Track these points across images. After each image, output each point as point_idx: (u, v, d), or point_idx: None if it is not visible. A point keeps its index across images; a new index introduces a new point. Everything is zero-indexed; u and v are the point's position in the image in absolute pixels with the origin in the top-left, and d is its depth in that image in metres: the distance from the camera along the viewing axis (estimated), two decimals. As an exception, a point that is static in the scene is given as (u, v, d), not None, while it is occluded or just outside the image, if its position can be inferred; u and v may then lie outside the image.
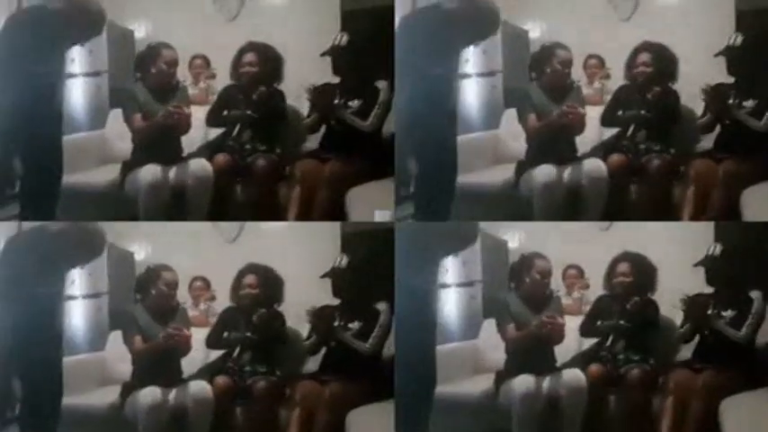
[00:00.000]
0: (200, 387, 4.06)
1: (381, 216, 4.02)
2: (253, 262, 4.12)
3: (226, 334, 4.10)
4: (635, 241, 4.10)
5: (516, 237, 4.15)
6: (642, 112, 4.13)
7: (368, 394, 4.05)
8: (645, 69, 4.11)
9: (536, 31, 4.18)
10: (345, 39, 4.12)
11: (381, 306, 4.09)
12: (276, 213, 4.12)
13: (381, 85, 4.13)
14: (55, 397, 4.03)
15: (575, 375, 4.06)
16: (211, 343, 4.11)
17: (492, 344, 4.13)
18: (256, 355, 4.09)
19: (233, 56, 4.14)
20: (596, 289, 4.14)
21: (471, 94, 4.17)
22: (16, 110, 4.04)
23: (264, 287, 4.11)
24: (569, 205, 4.09)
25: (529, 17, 4.17)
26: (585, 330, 4.11)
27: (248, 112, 4.14)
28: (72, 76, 4.14)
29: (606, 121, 4.15)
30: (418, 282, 4.06)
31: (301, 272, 4.13)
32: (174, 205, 4.10)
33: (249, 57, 4.13)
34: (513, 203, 4.10)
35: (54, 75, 4.11)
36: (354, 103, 4.14)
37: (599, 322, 4.10)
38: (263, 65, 4.13)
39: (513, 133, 4.17)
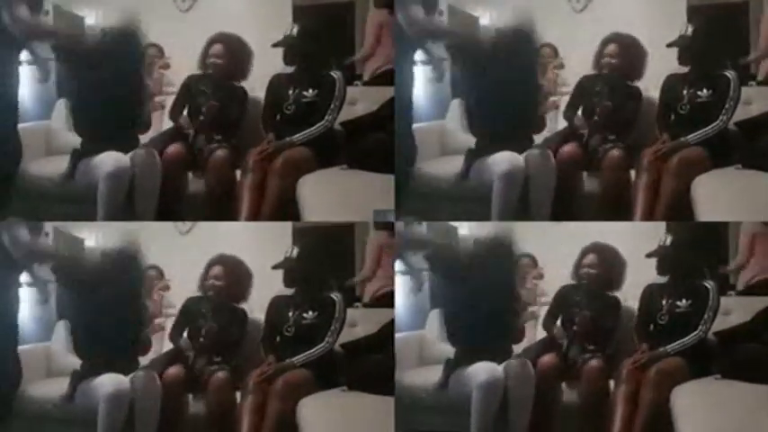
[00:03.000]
0: (149, 377, 4.06)
1: (380, 216, 4.03)
2: (223, 253, 4.12)
3: (187, 331, 4.10)
4: (588, 232, 4.11)
5: (466, 224, 4.15)
6: (604, 103, 4.13)
7: (319, 382, 4.07)
8: (611, 60, 4.11)
9: (486, 18, 4.18)
10: (296, 29, 4.12)
11: (336, 296, 4.11)
12: (230, 203, 4.12)
13: (336, 75, 4.14)
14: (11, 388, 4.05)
15: (522, 365, 4.07)
16: (174, 337, 4.12)
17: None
18: (213, 347, 4.10)
19: (201, 45, 4.14)
20: (551, 280, 4.15)
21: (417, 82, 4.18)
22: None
23: (231, 280, 4.10)
24: (526, 194, 4.11)
25: (478, 3, 4.18)
26: (548, 325, 4.12)
27: (210, 103, 4.15)
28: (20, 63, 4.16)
29: (569, 116, 4.15)
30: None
31: (256, 262, 4.13)
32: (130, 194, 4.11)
33: (217, 48, 4.13)
34: (463, 194, 4.11)
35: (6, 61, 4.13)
36: (309, 93, 4.14)
37: (560, 317, 4.10)
38: (231, 58, 4.13)
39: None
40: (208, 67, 4.14)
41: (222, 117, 4.15)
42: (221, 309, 4.11)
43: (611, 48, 4.11)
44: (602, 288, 4.11)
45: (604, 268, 4.10)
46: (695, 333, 4.05)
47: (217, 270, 4.12)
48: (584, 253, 4.11)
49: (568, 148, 4.14)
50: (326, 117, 4.13)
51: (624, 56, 4.10)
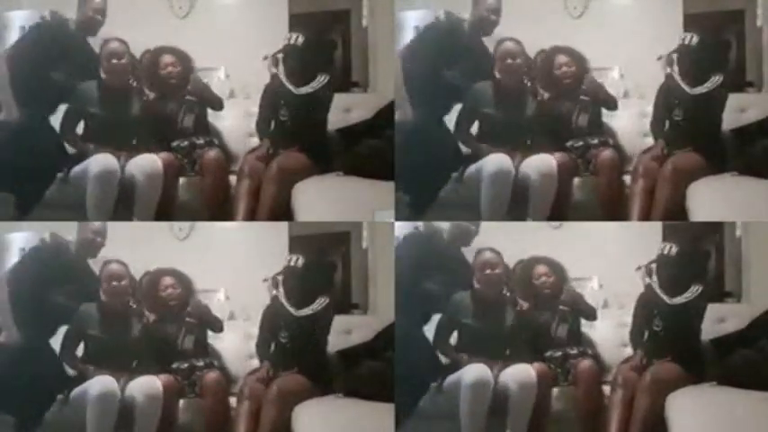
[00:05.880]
0: (149, 381, 4.06)
1: (381, 216, 4.04)
2: (161, 267, 4.13)
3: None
4: (585, 239, 4.12)
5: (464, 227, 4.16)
6: (577, 110, 4.15)
7: (315, 389, 4.07)
8: (567, 69, 4.13)
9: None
10: (300, 39, 4.14)
11: (322, 300, 4.13)
12: (225, 209, 4.14)
13: (323, 78, 4.16)
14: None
15: (523, 370, 4.08)
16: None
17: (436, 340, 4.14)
18: (197, 346, 4.11)
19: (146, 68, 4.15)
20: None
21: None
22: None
23: (182, 287, 4.12)
24: (516, 200, 4.11)
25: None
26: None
27: (184, 109, 4.17)
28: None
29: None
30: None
31: (251, 269, 4.14)
32: (123, 199, 4.11)
33: (167, 59, 4.15)
34: (459, 198, 4.13)
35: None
36: (303, 100, 4.15)
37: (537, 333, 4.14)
38: (180, 63, 4.15)
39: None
40: (164, 79, 4.14)
41: (202, 118, 4.17)
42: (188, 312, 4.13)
43: (561, 58, 4.13)
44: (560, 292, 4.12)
45: (554, 274, 4.12)
46: (688, 339, 4.04)
47: (168, 280, 4.12)
48: (530, 267, 4.13)
49: (559, 156, 4.14)
50: (319, 124, 4.14)
51: (573, 63, 4.13)
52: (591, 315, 4.12)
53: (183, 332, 4.11)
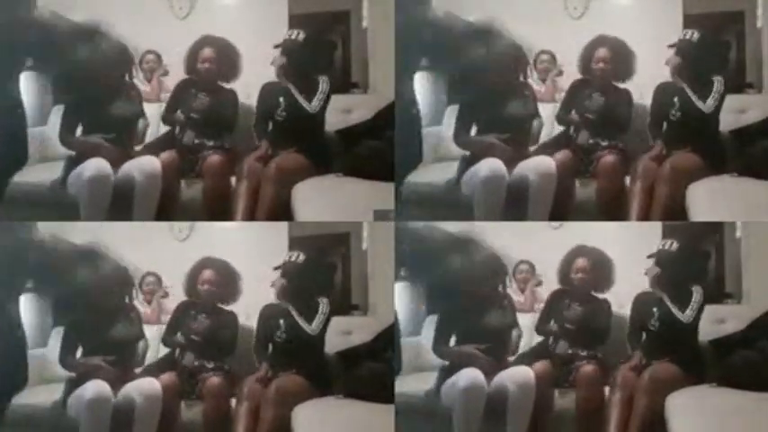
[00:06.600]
0: (149, 383, 4.07)
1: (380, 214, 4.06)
2: (210, 256, 4.13)
3: (180, 334, 4.12)
4: (585, 239, 4.12)
5: (462, 228, 4.16)
6: (594, 107, 4.14)
7: (313, 390, 4.07)
8: (604, 66, 4.12)
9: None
10: (302, 36, 4.14)
11: (322, 301, 4.12)
12: (224, 210, 4.13)
13: (322, 79, 4.15)
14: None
15: (522, 372, 4.08)
16: (168, 341, 4.13)
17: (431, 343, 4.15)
18: (206, 351, 4.11)
19: (188, 48, 4.15)
20: (550, 286, 4.16)
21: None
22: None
23: (222, 284, 4.12)
24: (513, 202, 4.11)
25: (474, 11, 4.20)
26: (541, 329, 4.13)
27: (200, 108, 4.17)
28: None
29: (562, 120, 4.16)
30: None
31: (251, 269, 4.15)
32: (119, 202, 4.11)
33: (207, 52, 4.15)
34: (454, 202, 4.13)
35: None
36: (300, 100, 4.16)
37: (552, 321, 4.11)
38: (221, 61, 4.14)
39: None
40: (199, 71, 4.14)
41: (213, 120, 4.16)
42: (212, 312, 4.12)
43: (602, 52, 4.12)
44: (593, 290, 4.12)
45: (594, 272, 4.11)
46: (687, 340, 4.04)
47: (208, 274, 4.12)
48: (574, 256, 4.12)
49: (562, 155, 4.14)
50: (317, 125, 4.14)
51: (615, 59, 4.11)
52: (599, 340, 4.11)
53: (197, 330, 4.13)
